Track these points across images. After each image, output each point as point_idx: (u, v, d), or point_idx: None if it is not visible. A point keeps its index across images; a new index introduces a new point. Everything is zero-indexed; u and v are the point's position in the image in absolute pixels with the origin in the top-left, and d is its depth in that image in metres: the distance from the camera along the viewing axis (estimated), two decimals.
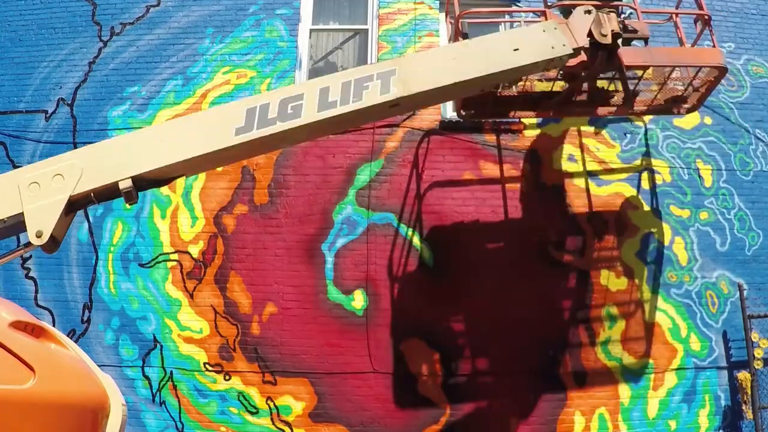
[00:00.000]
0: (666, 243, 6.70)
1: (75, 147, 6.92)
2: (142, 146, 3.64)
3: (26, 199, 3.40)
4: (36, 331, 2.59)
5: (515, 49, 4.22)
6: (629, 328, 6.44)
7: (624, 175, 6.90)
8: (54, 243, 3.44)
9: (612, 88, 5.63)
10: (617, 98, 5.67)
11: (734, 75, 7.35)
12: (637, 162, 6.93)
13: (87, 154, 3.59)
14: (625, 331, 6.43)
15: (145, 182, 3.59)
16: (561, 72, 5.33)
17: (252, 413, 6.20)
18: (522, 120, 6.95)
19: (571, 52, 4.41)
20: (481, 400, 6.19)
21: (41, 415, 2.36)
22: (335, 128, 4.47)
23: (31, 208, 3.38)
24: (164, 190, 6.74)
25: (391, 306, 6.43)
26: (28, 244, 3.37)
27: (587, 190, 6.83)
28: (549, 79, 5.56)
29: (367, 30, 7.49)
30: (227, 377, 6.28)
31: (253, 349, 6.34)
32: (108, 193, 3.54)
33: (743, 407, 6.22)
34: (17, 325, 2.52)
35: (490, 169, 6.85)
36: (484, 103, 5.69)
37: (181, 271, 6.55)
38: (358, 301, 6.45)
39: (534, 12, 6.09)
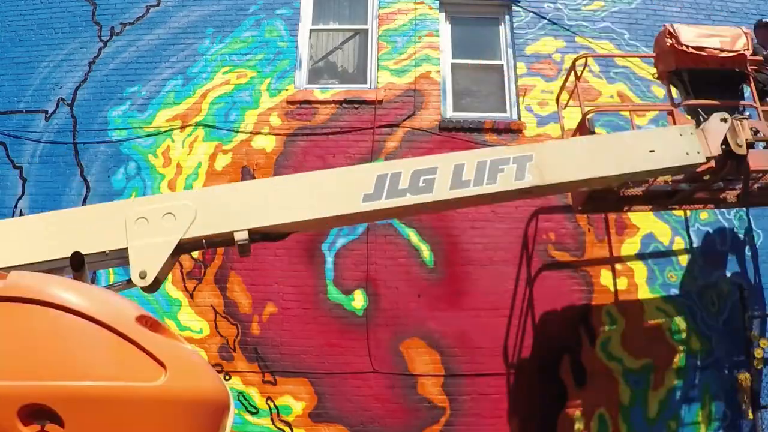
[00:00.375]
0: (666, 243, 6.70)
1: (75, 147, 6.94)
2: (265, 198, 3.48)
3: (132, 234, 3.20)
4: (154, 326, 2.51)
5: (651, 151, 4.14)
6: (629, 328, 6.44)
7: None
8: (156, 284, 3.28)
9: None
10: (732, 195, 5.59)
11: None
12: None
13: (203, 197, 3.44)
14: (625, 331, 6.43)
15: (258, 235, 3.42)
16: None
17: (252, 413, 6.19)
18: (522, 119, 6.97)
19: (704, 160, 4.32)
20: (481, 400, 6.19)
21: (173, 412, 2.31)
22: (461, 206, 4.25)
23: (137, 245, 3.19)
24: (164, 190, 6.74)
25: (391, 306, 6.43)
26: (129, 281, 3.20)
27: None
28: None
29: (367, 30, 7.49)
30: (227, 377, 6.27)
31: (253, 349, 6.33)
32: (220, 242, 3.39)
33: (743, 407, 6.22)
34: (141, 321, 2.45)
35: None
36: (606, 199, 5.61)
37: (181, 271, 6.55)
38: (358, 301, 6.45)
39: (662, 109, 5.95)
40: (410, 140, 6.92)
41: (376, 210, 3.56)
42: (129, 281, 3.22)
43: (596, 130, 6.81)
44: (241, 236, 3.32)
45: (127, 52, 7.28)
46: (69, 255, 3.08)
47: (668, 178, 5.30)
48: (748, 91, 5.24)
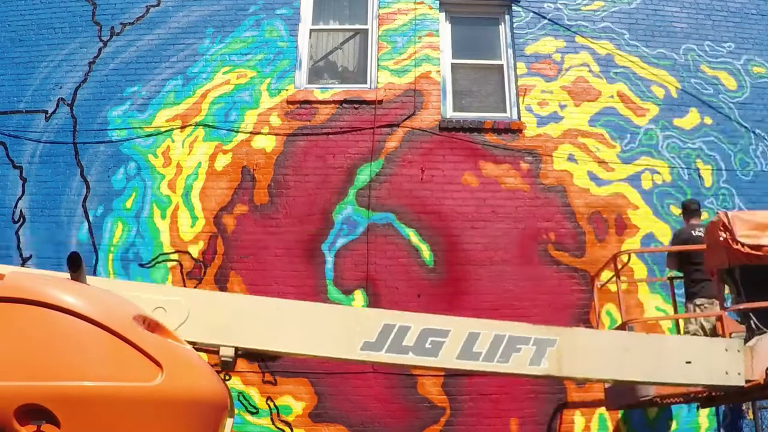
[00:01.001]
0: (666, 243, 6.69)
1: (75, 147, 6.93)
2: (259, 321, 3.32)
3: None
4: (152, 326, 2.51)
5: (688, 362, 3.69)
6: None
7: (624, 175, 6.90)
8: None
9: None
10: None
11: (734, 75, 7.35)
12: (637, 162, 6.93)
13: (197, 299, 3.34)
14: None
15: (244, 351, 3.33)
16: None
17: (252, 413, 6.19)
18: (522, 119, 6.98)
19: (743, 384, 3.74)
20: (481, 400, 6.19)
21: (170, 412, 2.31)
22: (462, 372, 4.01)
23: None
24: (164, 190, 6.75)
25: (391, 306, 6.40)
26: None
27: (587, 190, 6.84)
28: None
29: (367, 30, 7.49)
30: (227, 377, 6.27)
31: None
32: (204, 350, 3.26)
33: (743, 407, 6.21)
34: (138, 320, 2.45)
35: (490, 169, 6.85)
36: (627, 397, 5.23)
37: (181, 271, 6.54)
38: (358, 301, 6.45)
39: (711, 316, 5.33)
40: (410, 140, 6.92)
41: (372, 361, 3.40)
42: None
43: (599, 130, 6.79)
44: (226, 352, 3.19)
45: (127, 52, 7.28)
46: None
47: None
48: None
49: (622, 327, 5.12)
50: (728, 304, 4.62)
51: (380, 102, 7.02)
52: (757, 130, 7.16)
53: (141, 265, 6.57)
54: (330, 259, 6.56)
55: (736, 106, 7.22)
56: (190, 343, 3.02)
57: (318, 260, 6.55)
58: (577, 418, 6.22)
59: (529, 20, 7.47)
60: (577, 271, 6.58)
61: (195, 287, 6.46)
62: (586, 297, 6.50)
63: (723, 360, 3.76)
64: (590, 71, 7.23)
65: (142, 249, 6.62)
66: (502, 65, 7.42)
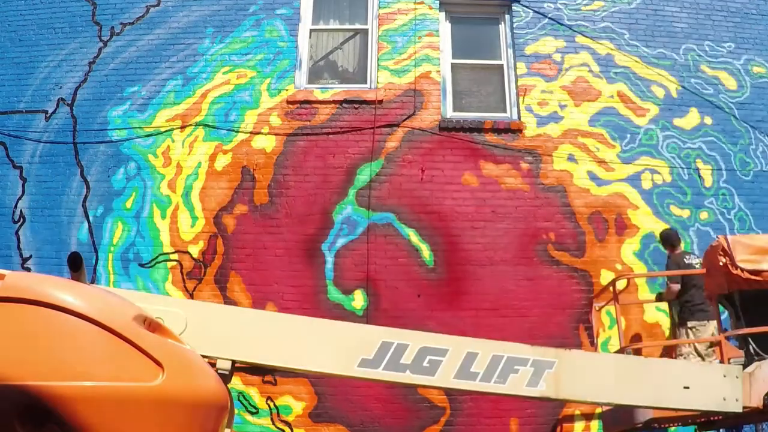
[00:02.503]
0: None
1: (75, 147, 6.93)
2: (257, 334, 3.35)
3: None
4: (153, 326, 2.49)
5: (685, 387, 3.68)
6: (629, 328, 6.43)
7: (624, 175, 6.90)
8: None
9: None
10: None
11: (734, 75, 7.35)
12: (637, 162, 6.93)
13: (196, 310, 3.36)
14: (625, 331, 6.42)
15: (242, 364, 3.33)
16: None
17: (252, 413, 6.19)
18: (522, 119, 6.98)
19: (740, 410, 3.75)
20: (481, 400, 6.19)
21: (170, 413, 2.29)
22: (459, 392, 4.08)
23: None
24: (164, 190, 6.75)
25: (391, 306, 6.42)
26: None
27: (587, 190, 6.84)
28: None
29: (367, 30, 7.49)
30: None
31: None
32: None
33: None
34: (138, 320, 2.44)
35: (490, 169, 6.85)
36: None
37: (181, 271, 6.54)
38: (358, 301, 6.45)
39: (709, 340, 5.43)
40: (410, 140, 6.92)
41: (369, 378, 3.41)
42: None
43: (599, 130, 6.80)
44: (223, 365, 3.21)
45: (127, 52, 7.28)
46: None
47: None
48: None
49: (621, 351, 5.14)
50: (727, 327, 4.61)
51: (380, 102, 7.02)
52: (757, 131, 7.16)
53: (141, 265, 6.57)
54: (330, 259, 6.56)
55: (736, 106, 7.23)
56: None
57: (318, 260, 6.55)
58: (577, 418, 6.21)
59: (529, 20, 7.48)
60: (577, 271, 6.58)
61: (195, 287, 6.47)
62: (586, 297, 6.50)
63: (721, 386, 3.75)
64: (590, 71, 7.23)
65: (142, 249, 6.62)
66: (502, 65, 7.42)
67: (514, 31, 7.44)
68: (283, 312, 6.38)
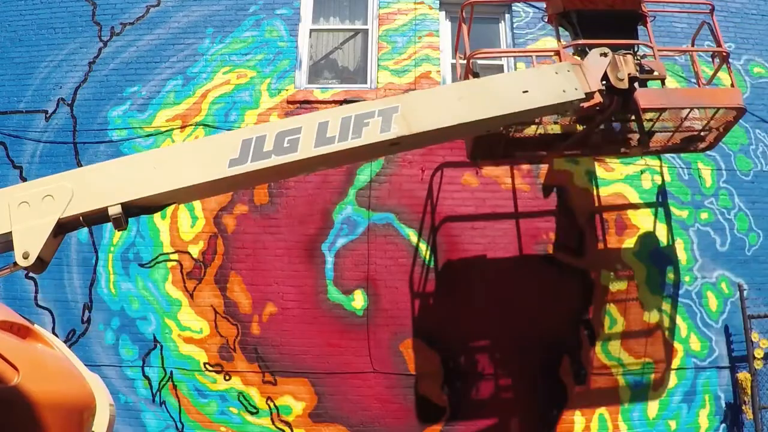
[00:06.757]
0: (666, 243, 6.70)
1: (75, 147, 6.94)
2: (135, 173, 3.56)
3: (15, 218, 3.31)
4: (22, 332, 2.60)
5: (524, 92, 4.01)
6: (629, 328, 6.44)
7: (624, 175, 6.90)
8: (41, 264, 3.37)
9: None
10: (633, 139, 5.48)
11: (734, 75, 7.34)
12: (637, 162, 6.93)
13: (79, 177, 3.53)
14: (625, 331, 6.43)
15: (135, 209, 3.53)
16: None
17: (252, 413, 6.20)
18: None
19: (583, 96, 4.17)
20: (481, 400, 6.19)
21: (25, 414, 2.38)
22: (333, 164, 4.36)
23: (19, 229, 3.29)
24: None
25: (391, 306, 6.43)
26: (15, 264, 3.29)
27: (587, 190, 6.84)
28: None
29: (367, 30, 7.49)
30: (227, 377, 6.28)
31: (253, 349, 6.34)
32: (97, 218, 3.48)
33: (743, 407, 6.22)
34: (2, 326, 2.54)
35: (490, 169, 6.85)
36: (495, 144, 5.54)
37: (181, 271, 6.55)
38: (358, 301, 6.46)
39: (548, 53, 5.83)
40: None
41: (243, 174, 3.58)
42: (15, 263, 3.30)
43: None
44: (114, 211, 3.41)
45: (127, 52, 7.28)
46: None
47: (566, 120, 5.30)
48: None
49: (467, 66, 5.11)
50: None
51: None
52: (757, 131, 7.16)
53: (141, 265, 6.57)
54: (330, 259, 6.56)
55: None
56: (82, 215, 3.35)
57: (318, 260, 6.55)
58: (577, 418, 6.22)
59: (529, 20, 7.47)
60: (577, 271, 6.58)
61: (195, 287, 6.48)
62: (586, 297, 6.50)
63: (557, 81, 4.15)
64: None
65: (142, 249, 6.62)
66: (503, 65, 7.42)
67: (515, 31, 7.44)
68: (284, 312, 6.40)
